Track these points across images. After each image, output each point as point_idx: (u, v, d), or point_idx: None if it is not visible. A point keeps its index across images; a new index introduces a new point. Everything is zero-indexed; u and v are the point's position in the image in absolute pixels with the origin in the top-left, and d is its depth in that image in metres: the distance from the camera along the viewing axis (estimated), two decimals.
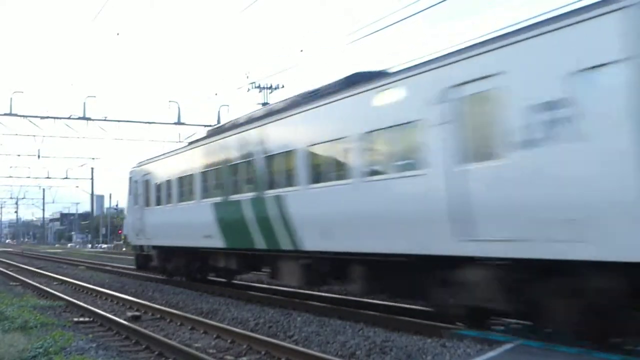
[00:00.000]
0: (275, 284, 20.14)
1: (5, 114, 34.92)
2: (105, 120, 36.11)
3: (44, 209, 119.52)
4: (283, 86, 42.43)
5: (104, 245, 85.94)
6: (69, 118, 35.87)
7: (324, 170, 12.19)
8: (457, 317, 10.17)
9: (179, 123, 37.42)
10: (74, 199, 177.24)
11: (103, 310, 14.16)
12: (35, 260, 44.51)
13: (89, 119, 35.67)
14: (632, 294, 7.44)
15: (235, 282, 20.57)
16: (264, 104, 41.86)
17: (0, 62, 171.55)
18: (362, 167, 11.07)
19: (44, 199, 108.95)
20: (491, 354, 8.19)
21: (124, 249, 76.69)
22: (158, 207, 20.84)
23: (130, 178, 23.79)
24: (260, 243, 14.29)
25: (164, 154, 21.28)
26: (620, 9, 7.16)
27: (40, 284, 22.10)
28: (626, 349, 8.02)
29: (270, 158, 13.94)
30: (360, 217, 11.04)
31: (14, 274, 27.15)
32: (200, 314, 13.45)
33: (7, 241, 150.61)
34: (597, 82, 7.38)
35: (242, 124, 15.69)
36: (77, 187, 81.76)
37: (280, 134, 13.75)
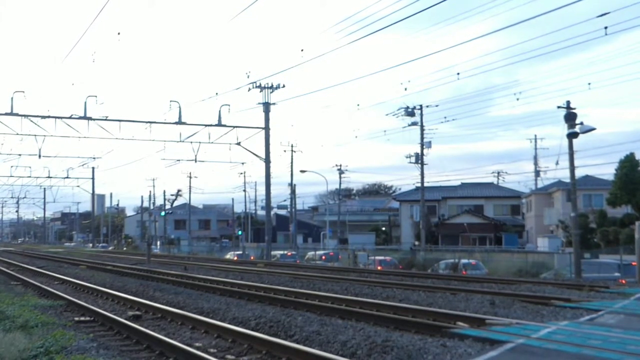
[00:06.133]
0: (276, 284, 20.13)
1: (6, 114, 34.98)
2: (106, 119, 36.16)
3: (44, 209, 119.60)
4: (284, 86, 42.51)
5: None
6: (70, 118, 35.92)
7: None
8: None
9: (180, 123, 37.46)
10: (75, 199, 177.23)
11: (104, 310, 14.15)
12: (36, 259, 44.52)
13: (90, 118, 35.73)
14: None
15: (236, 281, 20.52)
16: (265, 104, 41.87)
17: (0, 61, 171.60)
18: None
19: (44, 198, 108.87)
20: (492, 353, 8.19)
21: (124, 249, 76.99)
22: None
23: None
24: None
25: None
26: None
27: (41, 283, 22.11)
28: None
29: None
30: None
31: (15, 273, 27.18)
32: (201, 313, 13.44)
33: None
34: None
35: None
36: (78, 186, 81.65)
37: None
